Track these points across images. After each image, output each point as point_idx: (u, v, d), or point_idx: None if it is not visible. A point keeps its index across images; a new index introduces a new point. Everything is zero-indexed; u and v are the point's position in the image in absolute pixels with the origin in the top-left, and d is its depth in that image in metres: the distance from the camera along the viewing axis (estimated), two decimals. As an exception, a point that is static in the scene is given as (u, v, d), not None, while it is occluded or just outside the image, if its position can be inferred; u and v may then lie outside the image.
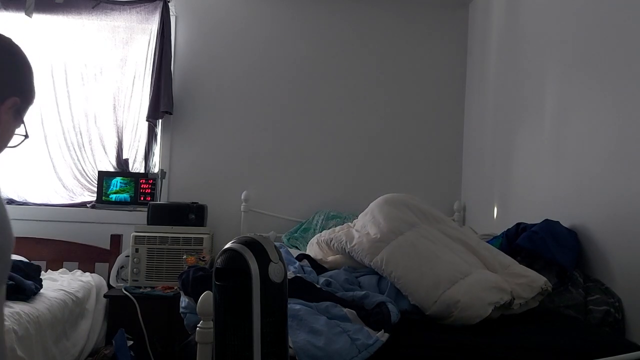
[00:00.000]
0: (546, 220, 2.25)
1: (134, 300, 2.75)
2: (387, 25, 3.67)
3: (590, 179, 2.18)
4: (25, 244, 3.04)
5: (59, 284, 2.64)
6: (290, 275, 1.78)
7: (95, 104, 3.41)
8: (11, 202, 3.30)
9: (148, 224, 3.04)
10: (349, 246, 2.01)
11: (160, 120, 3.44)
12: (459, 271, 1.75)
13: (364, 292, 1.72)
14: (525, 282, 1.81)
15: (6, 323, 1.96)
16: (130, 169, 3.44)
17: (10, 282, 2.17)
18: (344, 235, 2.10)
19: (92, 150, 3.41)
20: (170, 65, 3.37)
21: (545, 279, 1.86)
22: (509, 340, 1.54)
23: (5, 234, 1.05)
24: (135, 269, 2.92)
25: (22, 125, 1.10)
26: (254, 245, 1.13)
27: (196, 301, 1.38)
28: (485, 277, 1.76)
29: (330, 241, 2.14)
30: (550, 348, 1.50)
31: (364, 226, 2.08)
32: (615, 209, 2.02)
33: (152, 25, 3.41)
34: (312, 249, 2.32)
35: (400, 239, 1.91)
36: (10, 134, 1.08)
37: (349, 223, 2.30)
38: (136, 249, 2.93)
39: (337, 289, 1.80)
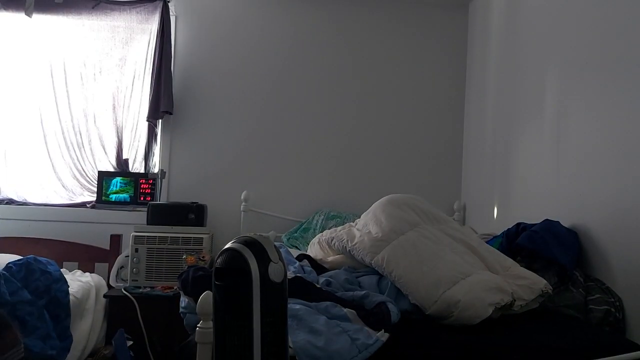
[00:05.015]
0: (546, 220, 2.25)
1: (134, 301, 2.75)
2: (387, 25, 3.67)
3: (590, 179, 2.18)
4: (25, 244, 3.04)
5: (59, 284, 2.63)
6: (290, 275, 1.77)
7: (95, 104, 3.41)
8: (11, 202, 3.30)
9: (148, 224, 3.04)
10: (350, 245, 2.01)
11: (160, 120, 3.43)
12: (459, 271, 1.75)
13: (364, 292, 1.72)
14: (526, 283, 1.80)
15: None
16: (130, 169, 3.44)
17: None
18: (345, 234, 2.10)
19: (91, 150, 3.41)
20: (170, 65, 3.37)
21: (545, 281, 1.86)
22: (509, 340, 1.54)
23: None
24: (134, 269, 2.92)
25: None
26: (254, 245, 1.13)
27: (196, 301, 1.37)
28: (486, 278, 1.75)
29: (332, 240, 2.14)
30: (551, 348, 1.50)
31: (366, 225, 2.08)
32: (615, 208, 2.02)
33: (152, 25, 3.41)
34: (313, 249, 2.32)
35: (402, 238, 1.91)
36: None
37: (351, 223, 2.29)
38: (136, 249, 2.93)
39: (337, 289, 1.79)
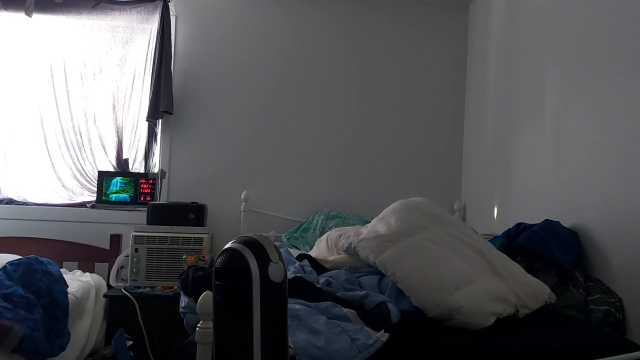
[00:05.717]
0: (546, 220, 2.25)
1: (134, 300, 2.75)
2: (387, 25, 3.66)
3: (590, 179, 2.18)
4: (25, 244, 3.04)
5: (59, 284, 2.63)
6: (290, 275, 1.77)
7: (95, 104, 3.41)
8: (11, 202, 3.30)
9: (148, 224, 3.03)
10: (355, 240, 2.01)
11: (160, 120, 3.43)
12: (464, 277, 1.74)
13: (364, 292, 1.72)
14: (532, 291, 1.79)
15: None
16: (130, 169, 3.44)
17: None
18: (352, 231, 2.12)
19: (91, 150, 3.41)
20: (170, 65, 3.37)
21: (549, 290, 1.85)
22: (509, 340, 1.54)
23: None
24: (134, 269, 2.92)
25: None
26: (254, 245, 1.13)
27: (196, 301, 1.37)
28: (490, 286, 1.74)
29: (340, 237, 2.14)
30: (551, 348, 1.50)
31: (375, 226, 2.09)
32: (615, 208, 2.02)
33: (152, 25, 3.41)
34: (320, 246, 2.33)
35: (408, 240, 1.91)
36: None
37: (360, 226, 2.33)
38: (136, 248, 2.93)
39: (337, 289, 1.79)
